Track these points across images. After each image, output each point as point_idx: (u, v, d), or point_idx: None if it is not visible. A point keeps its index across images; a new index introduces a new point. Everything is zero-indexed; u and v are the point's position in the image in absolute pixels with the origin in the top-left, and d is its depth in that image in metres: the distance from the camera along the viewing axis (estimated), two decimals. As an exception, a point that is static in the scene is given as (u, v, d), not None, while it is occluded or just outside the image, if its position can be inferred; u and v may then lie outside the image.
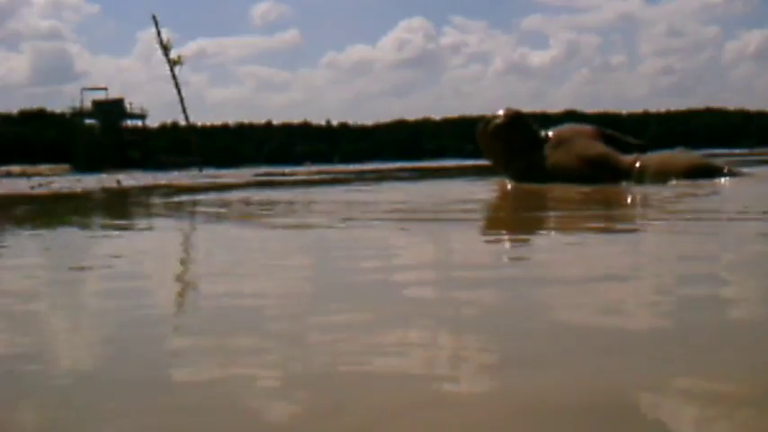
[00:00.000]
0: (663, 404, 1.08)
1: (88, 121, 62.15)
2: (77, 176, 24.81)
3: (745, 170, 7.43)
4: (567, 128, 7.44)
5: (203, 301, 2.12)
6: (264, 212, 5.39)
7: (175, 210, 6.33)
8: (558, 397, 1.13)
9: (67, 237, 4.45)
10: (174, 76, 42.99)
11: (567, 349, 1.37)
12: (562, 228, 3.59)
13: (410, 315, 1.70)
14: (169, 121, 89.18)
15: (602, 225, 3.71)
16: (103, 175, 24.25)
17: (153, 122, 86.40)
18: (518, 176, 7.10)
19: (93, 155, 56.00)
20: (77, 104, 61.19)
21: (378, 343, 1.47)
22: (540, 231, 3.55)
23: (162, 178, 18.81)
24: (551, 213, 4.49)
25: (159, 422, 1.11)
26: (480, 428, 1.03)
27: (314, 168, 33.27)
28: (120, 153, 57.40)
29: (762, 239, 2.87)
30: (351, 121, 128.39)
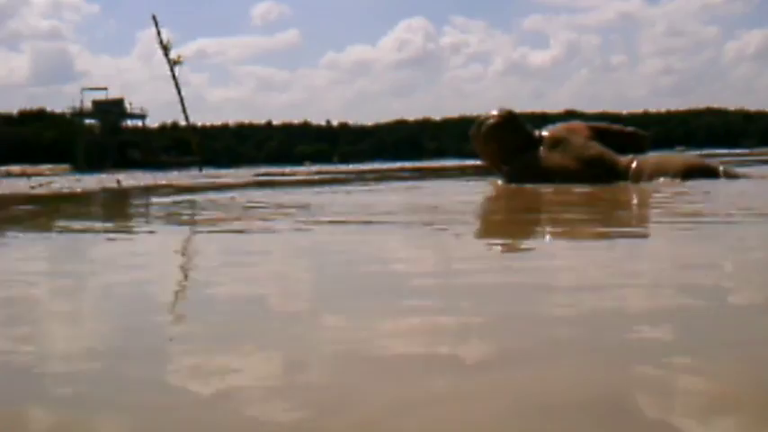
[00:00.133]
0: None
1: (88, 121, 62.13)
2: (77, 176, 24.81)
3: (740, 170, 7.48)
4: (561, 127, 7.46)
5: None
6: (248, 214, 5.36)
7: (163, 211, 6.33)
8: (558, 395, 1.14)
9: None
10: (174, 76, 42.96)
11: (563, 351, 1.38)
12: (564, 234, 3.58)
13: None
14: (169, 121, 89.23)
15: (603, 230, 3.71)
16: (103, 175, 24.26)
17: (153, 122, 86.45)
18: (514, 177, 7.06)
19: (93, 155, 56.00)
20: (77, 104, 61.22)
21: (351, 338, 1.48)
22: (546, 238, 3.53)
23: (162, 178, 18.81)
24: (559, 218, 4.47)
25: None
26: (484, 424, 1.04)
27: (314, 168, 33.26)
28: (120, 153, 57.39)
29: (743, 242, 2.87)
30: (351, 121, 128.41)
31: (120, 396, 1.23)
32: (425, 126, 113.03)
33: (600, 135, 7.13)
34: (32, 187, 13.76)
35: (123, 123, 62.28)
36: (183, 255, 3.27)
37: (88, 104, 60.85)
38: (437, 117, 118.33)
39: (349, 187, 9.25)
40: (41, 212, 6.93)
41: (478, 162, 8.27)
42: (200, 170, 33.75)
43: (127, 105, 61.82)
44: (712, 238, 3.02)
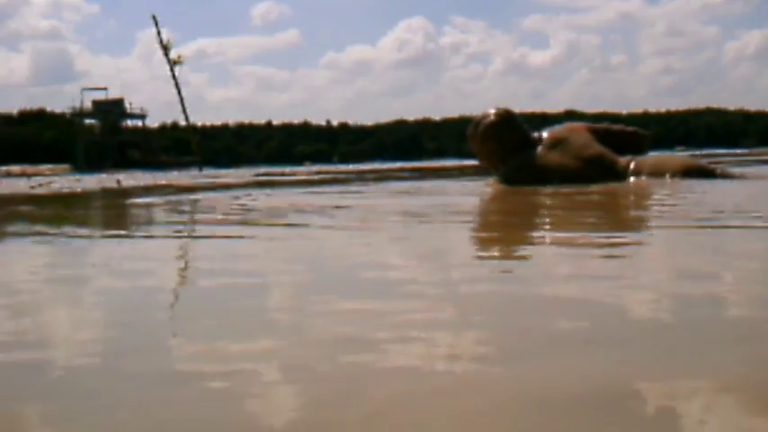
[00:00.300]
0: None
1: (88, 121, 62.16)
2: (77, 176, 24.82)
3: (737, 171, 7.54)
4: (561, 128, 7.48)
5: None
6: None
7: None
8: (556, 389, 1.14)
9: None
10: (173, 76, 43.01)
11: (557, 342, 1.39)
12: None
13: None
14: (169, 121, 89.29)
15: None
16: (103, 175, 24.27)
17: (153, 122, 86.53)
18: (511, 176, 7.02)
19: (93, 155, 56.04)
20: (77, 104, 61.25)
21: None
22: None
23: (162, 178, 18.82)
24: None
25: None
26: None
27: (314, 168, 33.27)
28: (120, 153, 57.42)
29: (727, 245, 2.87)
30: (351, 121, 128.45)
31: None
32: (425, 126, 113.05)
33: (600, 136, 7.15)
34: (32, 187, 13.77)
35: (123, 123, 62.31)
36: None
37: (88, 104, 60.89)
38: (437, 117, 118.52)
39: (329, 188, 9.22)
40: (38, 213, 6.93)
41: (478, 162, 8.24)
42: (200, 170, 33.77)
43: (127, 105, 61.86)
44: (715, 242, 3.03)
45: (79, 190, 12.17)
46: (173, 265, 2.93)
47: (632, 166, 6.89)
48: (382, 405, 1.13)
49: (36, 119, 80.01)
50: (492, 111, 7.32)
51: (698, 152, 37.16)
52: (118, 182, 16.20)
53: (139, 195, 9.26)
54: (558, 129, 7.43)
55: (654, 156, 7.54)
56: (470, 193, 6.94)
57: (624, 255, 2.73)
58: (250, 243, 3.46)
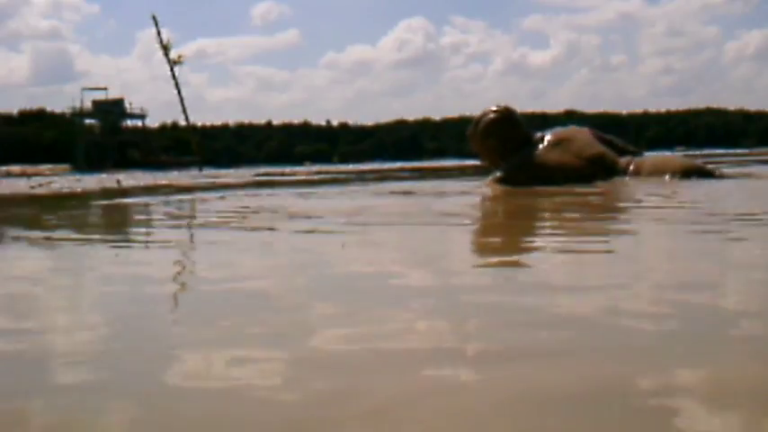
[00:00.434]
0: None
1: (88, 121, 62.16)
2: (77, 176, 24.83)
3: (737, 171, 7.62)
4: (566, 129, 7.51)
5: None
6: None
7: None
8: (554, 386, 1.15)
9: None
10: (174, 76, 42.96)
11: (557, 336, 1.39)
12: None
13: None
14: (169, 121, 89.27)
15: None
16: (103, 175, 24.26)
17: (153, 122, 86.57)
18: (512, 175, 7.00)
19: (93, 155, 56.04)
20: (77, 104, 61.23)
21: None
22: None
23: (162, 178, 18.82)
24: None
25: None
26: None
27: (314, 168, 33.26)
28: (120, 153, 57.42)
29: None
30: (351, 121, 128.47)
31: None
32: (425, 126, 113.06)
33: (603, 142, 7.22)
34: (32, 187, 13.78)
35: (123, 123, 62.31)
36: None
37: (88, 104, 60.88)
38: (437, 117, 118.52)
39: (373, 185, 9.20)
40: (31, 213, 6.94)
41: (478, 162, 8.24)
42: (200, 170, 33.76)
43: (127, 105, 61.85)
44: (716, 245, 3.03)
45: (79, 190, 12.17)
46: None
47: (632, 167, 6.96)
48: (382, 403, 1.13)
49: (36, 119, 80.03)
50: (493, 108, 7.34)
51: (698, 152, 37.22)
52: (118, 182, 16.21)
53: (138, 195, 9.27)
54: (562, 129, 7.49)
55: (652, 156, 7.71)
56: (468, 195, 6.91)
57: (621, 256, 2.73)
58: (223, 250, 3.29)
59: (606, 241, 3.12)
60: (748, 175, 7.74)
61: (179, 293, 2.20)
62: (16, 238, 4.04)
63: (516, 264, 2.59)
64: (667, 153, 13.09)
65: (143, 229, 4.48)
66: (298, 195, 7.48)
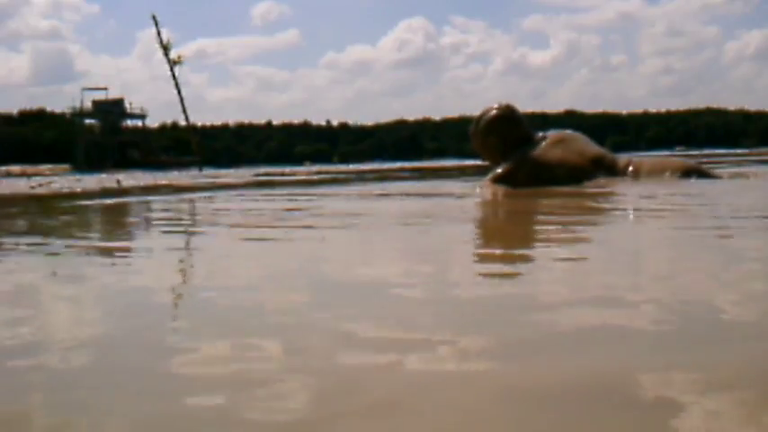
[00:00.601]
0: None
1: (88, 121, 62.23)
2: (77, 176, 24.84)
3: (735, 171, 7.68)
4: (564, 131, 7.57)
5: None
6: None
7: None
8: (551, 381, 1.15)
9: None
10: (174, 76, 42.99)
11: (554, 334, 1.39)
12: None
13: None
14: (169, 121, 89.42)
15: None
16: (103, 175, 24.27)
17: (153, 122, 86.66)
18: (511, 174, 6.99)
19: (93, 155, 56.10)
20: (77, 104, 61.32)
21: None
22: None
23: (162, 178, 18.82)
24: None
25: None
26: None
27: (314, 168, 33.27)
28: (120, 153, 57.48)
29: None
30: (351, 121, 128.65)
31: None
32: (425, 126, 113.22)
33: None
34: (32, 187, 13.78)
35: (123, 123, 62.39)
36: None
37: (88, 104, 60.96)
38: (437, 117, 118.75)
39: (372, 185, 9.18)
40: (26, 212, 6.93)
41: (478, 162, 8.23)
42: (200, 170, 33.78)
43: (127, 105, 61.94)
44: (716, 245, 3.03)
45: (79, 190, 12.18)
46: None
47: (631, 167, 7.01)
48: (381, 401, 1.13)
49: (36, 119, 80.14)
50: (495, 105, 7.35)
51: (697, 152, 37.26)
52: (118, 182, 16.22)
53: (138, 195, 9.26)
54: (561, 131, 7.55)
55: (651, 156, 7.79)
56: (465, 198, 6.87)
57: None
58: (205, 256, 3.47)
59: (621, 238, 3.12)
60: (746, 176, 7.76)
61: (177, 300, 2.20)
62: (16, 240, 4.04)
63: (514, 266, 2.59)
64: (666, 153, 13.13)
65: (139, 231, 4.46)
66: (289, 198, 7.47)
